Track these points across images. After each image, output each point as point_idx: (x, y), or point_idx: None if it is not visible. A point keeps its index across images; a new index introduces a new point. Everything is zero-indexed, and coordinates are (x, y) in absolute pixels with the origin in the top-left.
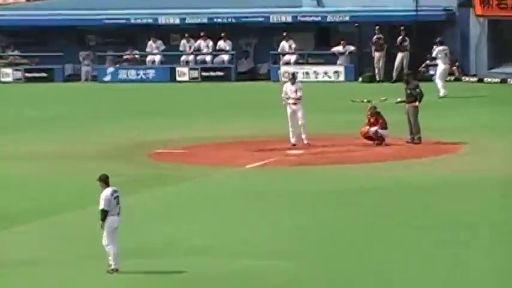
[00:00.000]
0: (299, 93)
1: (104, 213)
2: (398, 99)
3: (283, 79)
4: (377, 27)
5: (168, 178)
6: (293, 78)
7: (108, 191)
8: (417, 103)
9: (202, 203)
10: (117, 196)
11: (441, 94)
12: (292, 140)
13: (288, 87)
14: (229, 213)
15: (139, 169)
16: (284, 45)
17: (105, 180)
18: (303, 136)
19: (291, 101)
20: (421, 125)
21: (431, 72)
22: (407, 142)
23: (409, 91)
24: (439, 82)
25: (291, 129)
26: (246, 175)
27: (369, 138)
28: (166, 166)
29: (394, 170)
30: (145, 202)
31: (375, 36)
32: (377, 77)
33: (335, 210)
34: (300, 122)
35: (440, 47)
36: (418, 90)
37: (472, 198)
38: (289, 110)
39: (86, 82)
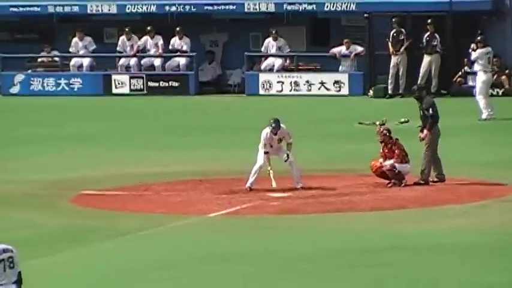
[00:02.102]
0: (289, 140)
1: None
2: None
3: (263, 92)
4: (394, 19)
5: (98, 232)
6: (276, 125)
7: None
8: (424, 131)
9: (144, 270)
10: (10, 257)
11: (483, 116)
12: (250, 185)
13: (269, 136)
14: (184, 287)
15: (56, 219)
16: (270, 44)
17: None
18: (296, 178)
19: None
20: (455, 158)
21: (472, 83)
22: (416, 183)
23: (421, 111)
24: (480, 99)
25: (258, 170)
26: (209, 228)
27: (383, 175)
28: (95, 214)
29: (416, 222)
30: (62, 266)
31: (393, 31)
32: (393, 90)
33: (329, 283)
34: (288, 160)
35: (482, 49)
36: (431, 111)
37: None
38: (265, 152)
39: None
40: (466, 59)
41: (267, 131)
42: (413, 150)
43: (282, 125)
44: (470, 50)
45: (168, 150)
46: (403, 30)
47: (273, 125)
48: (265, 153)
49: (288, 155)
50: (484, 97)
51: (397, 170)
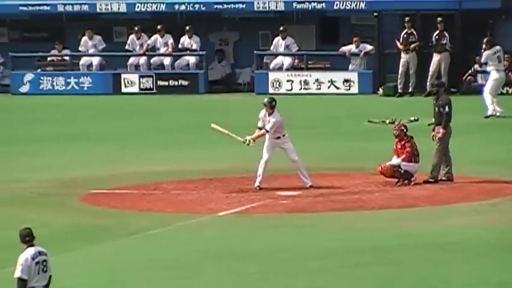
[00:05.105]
0: (267, 127)
1: (21, 284)
2: (433, 120)
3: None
4: (407, 18)
5: (108, 231)
6: (268, 102)
7: (27, 253)
8: (441, 129)
9: (154, 268)
10: (44, 260)
11: (488, 112)
12: (258, 183)
13: (263, 115)
14: (193, 287)
15: (67, 217)
16: (279, 43)
17: (23, 238)
18: (304, 178)
19: (270, 135)
20: (465, 156)
21: (482, 81)
22: (425, 182)
23: (437, 108)
24: (487, 97)
25: (264, 165)
26: (219, 227)
27: (393, 174)
28: (105, 213)
29: (425, 220)
30: (73, 265)
31: (404, 31)
32: (403, 88)
33: (338, 281)
34: (292, 160)
35: (488, 51)
36: (447, 109)
37: None
38: (270, 141)
39: None
40: (477, 57)
41: (263, 110)
42: (423, 149)
43: (278, 114)
44: (482, 50)
45: (178, 149)
46: (414, 32)
47: (265, 100)
48: (259, 128)
49: (247, 140)
50: (491, 95)
51: (403, 169)
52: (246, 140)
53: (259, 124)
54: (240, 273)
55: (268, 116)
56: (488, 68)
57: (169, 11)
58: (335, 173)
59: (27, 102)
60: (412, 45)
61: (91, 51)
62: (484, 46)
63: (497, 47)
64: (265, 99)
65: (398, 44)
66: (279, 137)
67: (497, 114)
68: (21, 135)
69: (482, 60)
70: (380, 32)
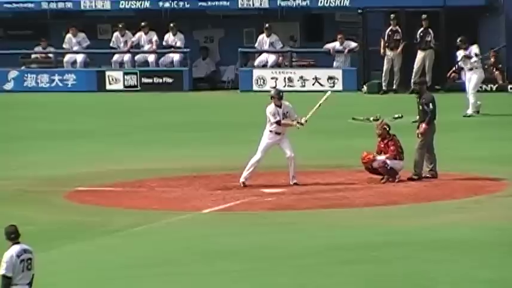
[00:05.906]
0: (295, 116)
1: (6, 282)
2: (417, 118)
3: (257, 87)
4: (392, 15)
5: (92, 228)
6: (276, 93)
7: (13, 250)
8: (423, 125)
9: (139, 266)
10: (29, 259)
11: (469, 112)
12: (244, 179)
13: (274, 109)
14: (177, 284)
15: (51, 215)
16: (263, 40)
17: (9, 235)
18: (292, 174)
19: (275, 129)
20: (449, 153)
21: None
22: (409, 179)
23: (421, 106)
24: (474, 96)
25: (255, 164)
26: (203, 224)
27: (376, 171)
28: (90, 210)
29: (410, 217)
30: (57, 263)
31: (389, 29)
32: (387, 85)
33: (324, 279)
34: (288, 155)
35: (474, 47)
36: (431, 106)
37: None
38: (270, 138)
39: None
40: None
41: (271, 105)
42: (407, 146)
43: (287, 102)
44: (466, 49)
45: (162, 147)
46: (399, 30)
47: (273, 92)
48: (277, 123)
49: (303, 120)
50: (475, 93)
51: (389, 166)
52: (301, 122)
53: (276, 119)
54: (225, 270)
55: (279, 108)
56: (474, 66)
57: (153, 8)
58: (319, 171)
59: (11, 99)
60: (399, 47)
61: (75, 48)
62: (460, 45)
63: (467, 51)
64: (273, 91)
65: (382, 43)
66: (279, 133)
67: (479, 107)
68: (5, 132)
69: (473, 60)
70: (364, 29)
